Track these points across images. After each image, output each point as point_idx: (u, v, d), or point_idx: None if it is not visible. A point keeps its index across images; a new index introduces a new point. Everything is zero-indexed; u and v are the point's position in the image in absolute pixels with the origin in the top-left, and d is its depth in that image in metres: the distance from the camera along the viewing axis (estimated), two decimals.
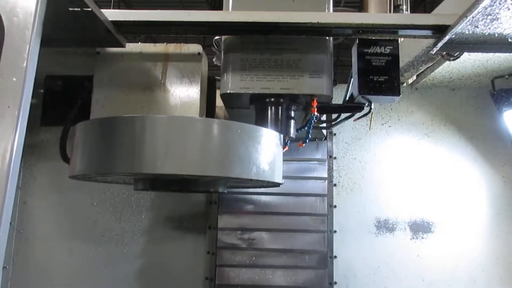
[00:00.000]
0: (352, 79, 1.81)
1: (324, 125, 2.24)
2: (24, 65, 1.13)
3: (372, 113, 1.80)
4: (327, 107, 1.89)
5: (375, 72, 1.67)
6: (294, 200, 2.42)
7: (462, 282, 2.41)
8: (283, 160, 1.76)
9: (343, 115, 2.03)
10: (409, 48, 2.19)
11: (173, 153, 1.48)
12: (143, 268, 2.39)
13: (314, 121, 1.82)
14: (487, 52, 1.95)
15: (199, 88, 1.98)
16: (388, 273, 2.42)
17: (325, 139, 2.44)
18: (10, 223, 1.36)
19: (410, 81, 2.64)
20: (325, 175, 2.46)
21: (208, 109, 2.16)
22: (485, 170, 2.51)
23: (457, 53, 1.95)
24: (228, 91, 1.75)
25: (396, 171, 2.51)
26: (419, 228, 2.46)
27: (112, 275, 2.37)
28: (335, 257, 2.40)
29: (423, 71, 2.38)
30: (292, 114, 1.86)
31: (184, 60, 2.02)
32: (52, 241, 2.39)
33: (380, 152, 2.53)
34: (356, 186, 2.51)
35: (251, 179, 1.59)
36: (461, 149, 2.53)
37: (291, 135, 1.85)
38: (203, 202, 2.46)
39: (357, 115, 1.90)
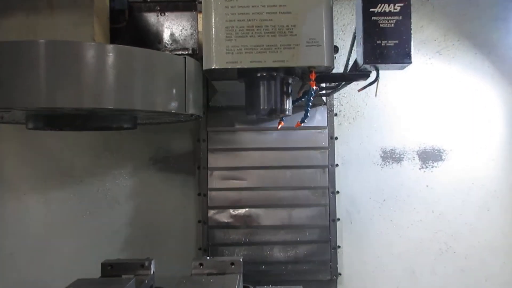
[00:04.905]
0: (355, 43, 1.59)
1: (324, 92, 2.00)
2: None
3: (379, 80, 1.59)
4: (327, 77, 1.68)
5: (383, 35, 1.47)
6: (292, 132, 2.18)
7: (474, 211, 2.26)
8: None
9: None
10: None
11: (55, 84, 1.33)
12: (129, 213, 2.23)
13: (312, 96, 1.60)
14: None
15: (93, 11, 1.79)
16: (395, 206, 2.26)
17: (325, 104, 2.19)
18: None
19: None
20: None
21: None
22: (503, 89, 2.26)
23: None
24: (213, 67, 1.51)
25: (404, 96, 2.27)
26: (429, 157, 2.27)
27: (95, 223, 2.22)
28: (338, 192, 2.22)
29: None
30: (288, 88, 1.66)
31: None
32: (25, 188, 2.21)
33: (386, 75, 2.22)
34: (359, 114, 2.28)
35: (156, 111, 1.48)
36: (477, 66, 2.26)
37: (288, 112, 1.66)
38: (190, 141, 2.25)
39: (362, 83, 1.67)
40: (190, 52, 2.13)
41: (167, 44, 2.14)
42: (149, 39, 2.13)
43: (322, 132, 2.17)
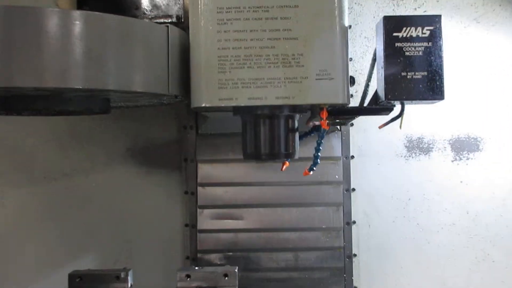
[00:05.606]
0: (375, 72, 1.42)
1: (338, 121, 1.79)
2: None
3: (403, 114, 1.39)
4: (340, 111, 1.47)
5: (409, 66, 1.32)
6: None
7: None
8: None
9: None
10: None
11: (11, 59, 1.15)
12: (102, 215, 1.94)
13: (323, 137, 1.47)
14: None
15: None
16: (422, 206, 1.95)
17: (339, 131, 1.93)
18: None
19: None
20: None
21: None
22: None
23: None
24: (203, 105, 1.33)
25: None
26: (464, 147, 1.94)
27: (61, 227, 1.93)
28: (353, 190, 1.91)
29: None
30: (294, 126, 1.49)
31: None
32: None
33: None
34: None
35: (134, 92, 1.30)
36: None
37: (294, 156, 1.50)
38: (175, 128, 1.93)
39: (383, 118, 1.44)
40: (174, 20, 1.85)
41: (146, 10, 1.87)
42: (124, 5, 1.87)
43: (336, 163, 1.87)
